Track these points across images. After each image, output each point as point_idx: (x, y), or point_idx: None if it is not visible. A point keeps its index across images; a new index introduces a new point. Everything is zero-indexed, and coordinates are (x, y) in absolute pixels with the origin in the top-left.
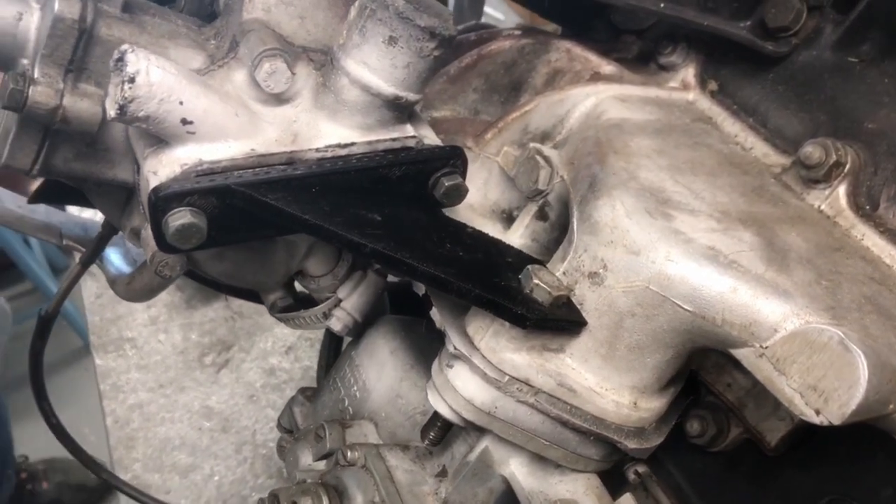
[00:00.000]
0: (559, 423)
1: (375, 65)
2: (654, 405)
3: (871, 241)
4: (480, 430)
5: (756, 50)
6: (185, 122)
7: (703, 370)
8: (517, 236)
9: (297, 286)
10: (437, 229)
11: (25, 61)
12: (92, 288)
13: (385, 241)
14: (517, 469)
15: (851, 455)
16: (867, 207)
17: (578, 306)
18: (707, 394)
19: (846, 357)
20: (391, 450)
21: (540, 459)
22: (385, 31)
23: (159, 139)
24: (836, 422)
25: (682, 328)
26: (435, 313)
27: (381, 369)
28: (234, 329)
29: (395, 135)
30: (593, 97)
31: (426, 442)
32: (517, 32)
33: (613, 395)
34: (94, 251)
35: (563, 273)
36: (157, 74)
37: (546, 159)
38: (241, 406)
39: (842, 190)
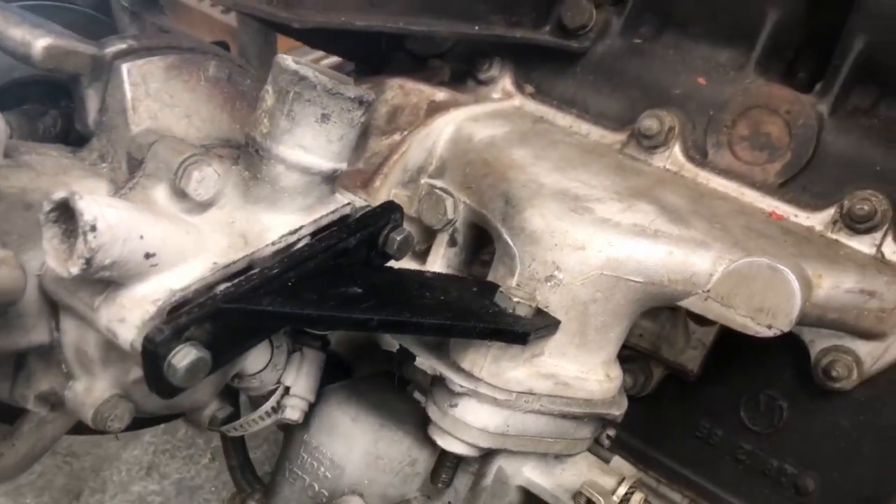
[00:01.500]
0: (560, 417)
1: (311, 145)
2: (618, 372)
3: (716, 182)
4: (490, 454)
5: (562, 50)
6: (147, 255)
7: None
8: (437, 266)
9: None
10: (409, 283)
11: None
12: None
13: (383, 309)
14: (531, 474)
15: (754, 359)
16: (698, 157)
17: (545, 309)
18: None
19: (777, 276)
20: None
21: (543, 458)
22: (316, 111)
23: (105, 284)
24: (787, 328)
25: (635, 298)
26: (421, 362)
27: (348, 440)
28: (74, 473)
29: (332, 206)
30: (451, 124)
31: (440, 485)
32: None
33: (593, 375)
34: None
35: (518, 285)
36: (113, 216)
37: (443, 190)
38: None
39: (676, 149)
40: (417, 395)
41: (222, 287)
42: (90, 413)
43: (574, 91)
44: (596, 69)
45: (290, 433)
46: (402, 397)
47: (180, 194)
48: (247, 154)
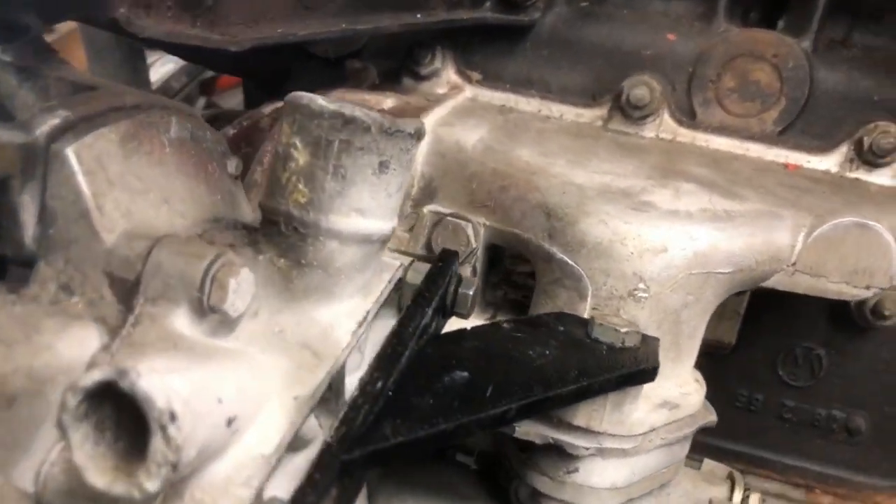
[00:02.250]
0: (675, 443)
1: (370, 205)
2: (699, 374)
3: (716, 142)
4: None
5: (508, 26)
6: (230, 422)
7: None
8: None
9: None
10: (499, 345)
11: None
12: None
13: (510, 391)
14: None
15: (785, 316)
16: (687, 120)
17: None
18: None
19: (868, 233)
20: None
21: (655, 492)
22: (373, 160)
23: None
24: (887, 285)
25: (723, 290)
26: (525, 433)
27: None
28: None
29: (386, 276)
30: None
31: None
32: (280, 104)
33: (689, 387)
34: None
35: (594, 308)
36: (184, 386)
37: (456, 216)
38: None
39: (665, 115)
40: (461, 457)
41: (327, 432)
42: None
43: (528, 70)
44: (549, 43)
45: None
46: (448, 464)
47: (207, 314)
48: (278, 234)
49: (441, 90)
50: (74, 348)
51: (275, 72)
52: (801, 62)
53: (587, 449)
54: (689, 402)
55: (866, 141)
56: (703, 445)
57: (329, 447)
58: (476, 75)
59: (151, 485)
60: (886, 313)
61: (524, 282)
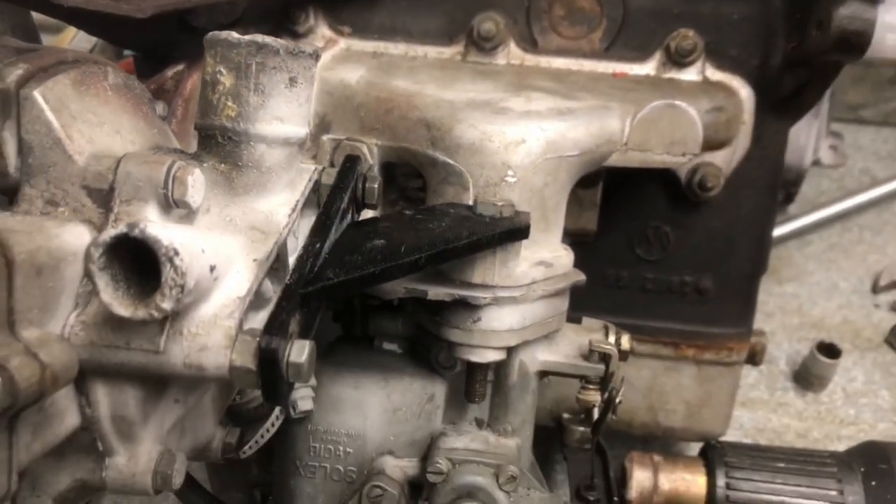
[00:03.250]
0: (553, 296)
1: (286, 113)
2: (567, 246)
3: (557, 63)
4: (509, 355)
5: None
6: (212, 269)
7: None
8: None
9: None
10: (408, 223)
11: None
12: None
13: (417, 248)
14: (545, 357)
15: (632, 201)
16: (531, 47)
17: None
18: None
19: (677, 111)
20: (451, 440)
21: (545, 340)
22: (284, 77)
23: (160, 322)
24: (698, 150)
25: (574, 170)
26: (435, 294)
27: (359, 408)
28: None
29: (306, 176)
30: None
31: (477, 399)
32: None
33: (560, 251)
34: None
35: (476, 197)
36: (177, 234)
37: (351, 139)
38: None
39: (512, 45)
40: (387, 346)
41: (288, 279)
42: (148, 479)
43: (392, 20)
44: None
45: (288, 434)
46: (378, 352)
47: (173, 206)
48: (216, 145)
49: (319, 44)
50: (74, 239)
51: (161, 44)
52: None
53: (485, 299)
54: (561, 262)
55: (673, 46)
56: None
57: (289, 286)
58: (347, 29)
59: (167, 304)
60: (710, 185)
61: (416, 195)
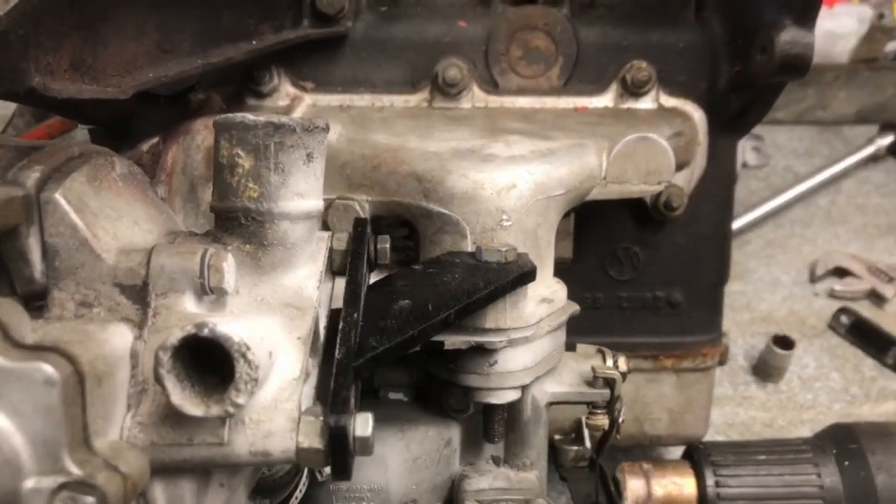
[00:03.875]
0: (556, 330)
1: (305, 188)
2: (558, 279)
3: (520, 102)
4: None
5: (326, 38)
6: (270, 355)
7: None
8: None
9: None
10: (422, 281)
11: None
12: None
13: (443, 306)
14: (553, 388)
15: (601, 226)
16: (493, 89)
17: None
18: None
19: (649, 142)
20: (475, 481)
21: (549, 374)
22: (302, 154)
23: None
24: (672, 178)
25: (561, 208)
26: (452, 343)
27: (380, 462)
28: None
29: (324, 245)
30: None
31: (496, 440)
32: (155, 140)
33: (556, 287)
34: None
35: (474, 243)
36: (244, 328)
37: (342, 198)
38: None
39: (475, 88)
40: (393, 395)
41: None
42: None
43: (353, 72)
44: (364, 46)
45: (311, 497)
46: (384, 402)
47: (207, 294)
48: (238, 227)
49: (283, 103)
50: (121, 341)
51: (120, 117)
52: (566, 26)
53: (501, 343)
54: (559, 296)
55: (628, 77)
56: (571, 346)
57: (341, 361)
58: (309, 84)
59: (242, 399)
60: (675, 205)
61: (403, 244)
